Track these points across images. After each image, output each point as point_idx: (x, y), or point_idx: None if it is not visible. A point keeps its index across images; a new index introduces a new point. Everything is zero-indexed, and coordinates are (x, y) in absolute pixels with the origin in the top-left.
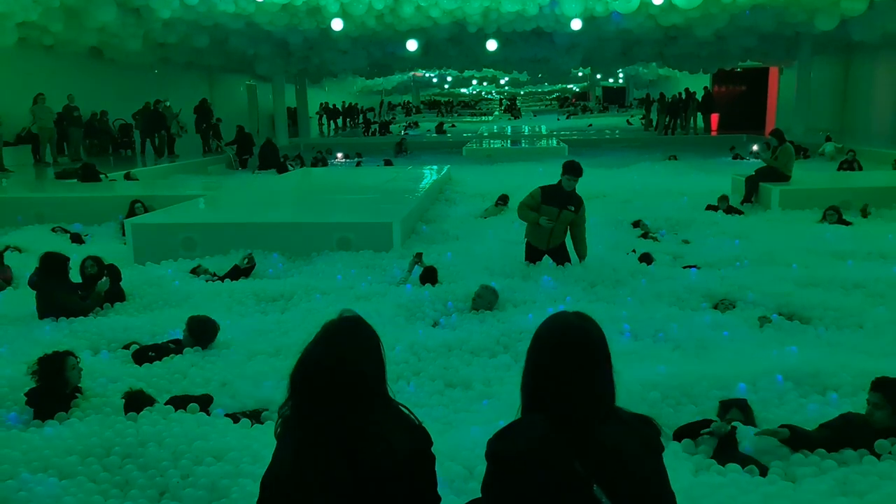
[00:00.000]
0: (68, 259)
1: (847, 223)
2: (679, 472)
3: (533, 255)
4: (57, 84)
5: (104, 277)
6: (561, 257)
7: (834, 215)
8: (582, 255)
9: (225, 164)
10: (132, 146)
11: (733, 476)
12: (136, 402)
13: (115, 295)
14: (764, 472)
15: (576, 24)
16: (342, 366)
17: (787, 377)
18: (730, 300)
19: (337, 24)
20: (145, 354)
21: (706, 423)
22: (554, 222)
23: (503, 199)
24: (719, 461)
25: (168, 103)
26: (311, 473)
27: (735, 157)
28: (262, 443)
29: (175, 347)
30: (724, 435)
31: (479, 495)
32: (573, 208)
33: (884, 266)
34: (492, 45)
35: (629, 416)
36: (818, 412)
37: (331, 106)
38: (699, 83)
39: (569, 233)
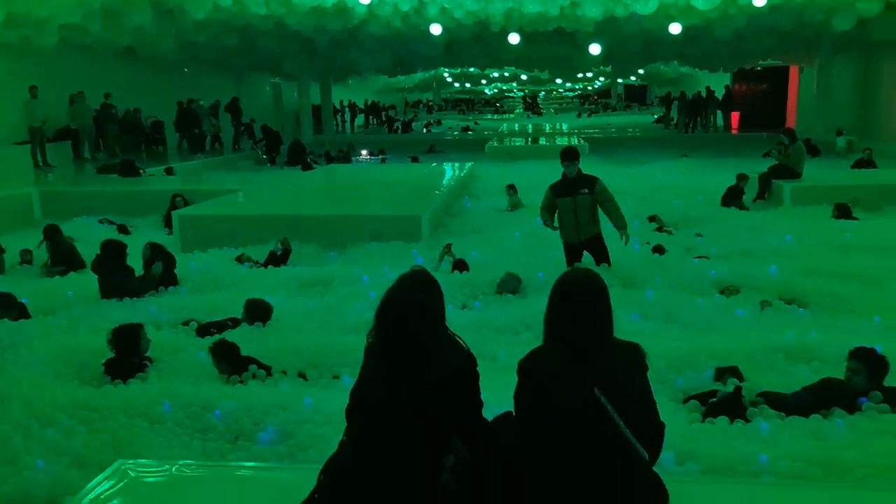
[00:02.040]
0: (126, 245)
1: (854, 219)
2: (678, 422)
3: (571, 254)
4: (93, 83)
5: (158, 262)
6: (599, 253)
7: (836, 211)
8: (620, 227)
9: (253, 161)
10: (164, 142)
11: (721, 424)
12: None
13: (169, 279)
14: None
15: (594, 50)
16: (414, 304)
17: (778, 350)
18: (734, 286)
19: None
20: (207, 330)
21: (713, 393)
22: (572, 212)
23: (513, 189)
24: (714, 415)
25: (201, 102)
26: (394, 381)
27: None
28: (318, 397)
29: (233, 325)
30: (727, 396)
31: None
32: (587, 191)
33: (883, 258)
34: (514, 38)
35: (623, 343)
36: (805, 379)
37: (345, 103)
38: (720, 81)
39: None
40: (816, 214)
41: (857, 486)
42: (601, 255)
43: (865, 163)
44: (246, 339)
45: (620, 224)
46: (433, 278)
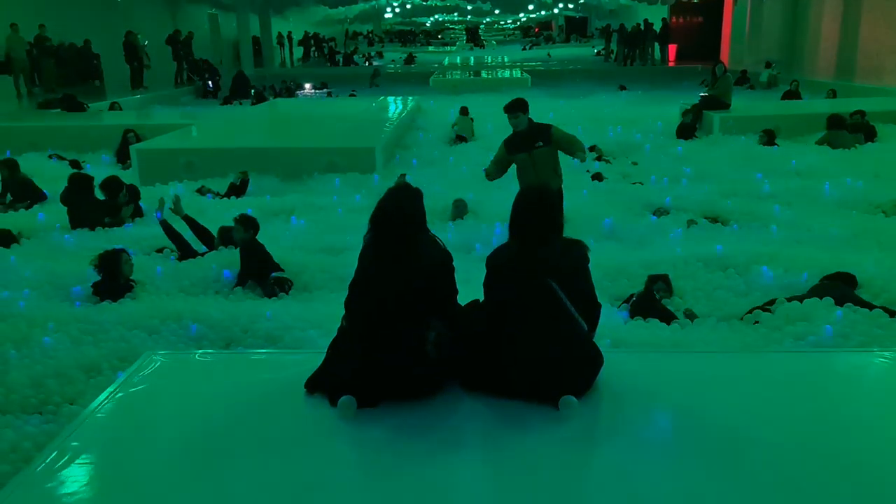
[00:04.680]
0: (93, 178)
1: (776, 145)
2: (615, 321)
3: None
4: (25, 14)
5: (124, 190)
6: None
7: (764, 137)
8: (581, 154)
9: (194, 95)
10: (101, 77)
11: (653, 323)
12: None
13: (135, 211)
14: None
15: None
16: (403, 208)
17: (699, 260)
18: (665, 208)
19: None
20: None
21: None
22: (532, 167)
23: (464, 111)
24: (643, 314)
25: (138, 35)
26: (387, 273)
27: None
28: (299, 308)
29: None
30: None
31: None
32: (542, 143)
33: (796, 180)
34: None
35: (569, 240)
36: (718, 283)
37: (284, 35)
38: (658, 14)
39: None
40: (741, 142)
41: (755, 351)
42: None
43: (793, 94)
44: (224, 263)
45: (581, 149)
46: (416, 188)
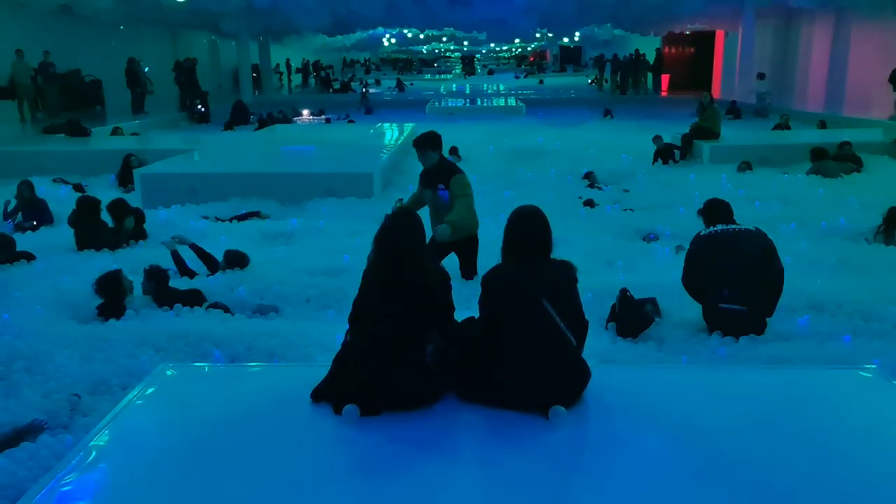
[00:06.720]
0: (100, 201)
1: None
2: (602, 341)
3: (436, 249)
4: (29, 42)
5: (130, 216)
6: (466, 259)
7: (743, 167)
8: (442, 225)
9: (189, 121)
10: (102, 102)
11: (640, 345)
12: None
13: (140, 233)
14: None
15: None
16: (405, 230)
17: None
18: (655, 234)
19: None
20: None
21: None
22: (434, 208)
23: (453, 151)
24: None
25: (140, 61)
26: (390, 288)
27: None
28: (301, 325)
29: (209, 274)
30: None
31: None
32: (443, 187)
33: (780, 207)
34: None
35: (558, 261)
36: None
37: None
38: (651, 45)
39: None
40: (730, 170)
41: (737, 365)
42: (467, 262)
43: (782, 127)
44: (229, 282)
45: (448, 217)
46: (416, 215)
